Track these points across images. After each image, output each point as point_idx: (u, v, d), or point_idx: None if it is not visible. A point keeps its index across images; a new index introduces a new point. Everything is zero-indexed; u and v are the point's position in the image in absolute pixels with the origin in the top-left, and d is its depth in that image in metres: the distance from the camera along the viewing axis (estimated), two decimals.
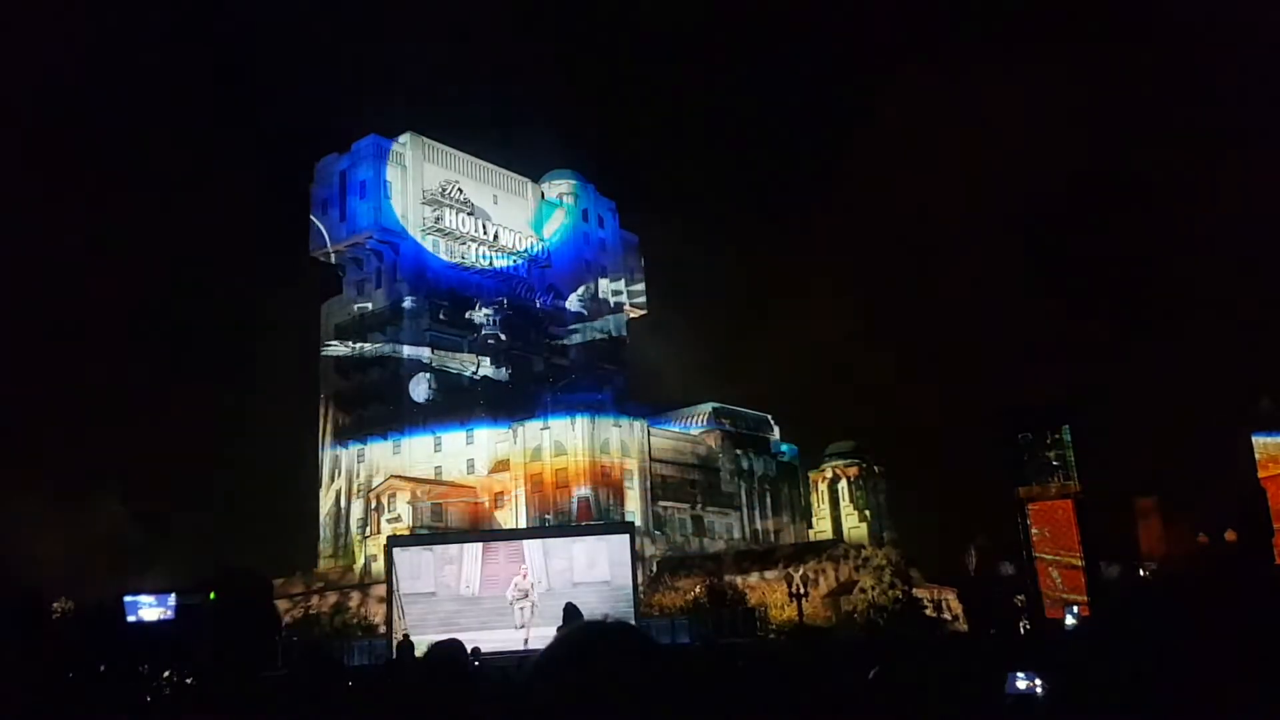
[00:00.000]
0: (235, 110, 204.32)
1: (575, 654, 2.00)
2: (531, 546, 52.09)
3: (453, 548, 53.64)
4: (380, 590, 61.38)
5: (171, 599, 36.90)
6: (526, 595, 50.00)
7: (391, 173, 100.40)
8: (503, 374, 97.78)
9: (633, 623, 2.16)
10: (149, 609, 37.12)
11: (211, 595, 35.79)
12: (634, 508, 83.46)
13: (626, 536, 52.00)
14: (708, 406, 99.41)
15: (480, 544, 54.36)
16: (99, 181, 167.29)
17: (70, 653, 42.32)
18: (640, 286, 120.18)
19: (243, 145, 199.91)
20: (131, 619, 36.66)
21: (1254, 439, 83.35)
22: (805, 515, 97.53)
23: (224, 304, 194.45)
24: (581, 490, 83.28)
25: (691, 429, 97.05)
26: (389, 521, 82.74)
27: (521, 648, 44.20)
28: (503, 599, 49.65)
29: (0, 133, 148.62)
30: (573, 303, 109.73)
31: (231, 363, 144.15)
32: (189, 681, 38.06)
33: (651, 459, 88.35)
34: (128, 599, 37.64)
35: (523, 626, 48.20)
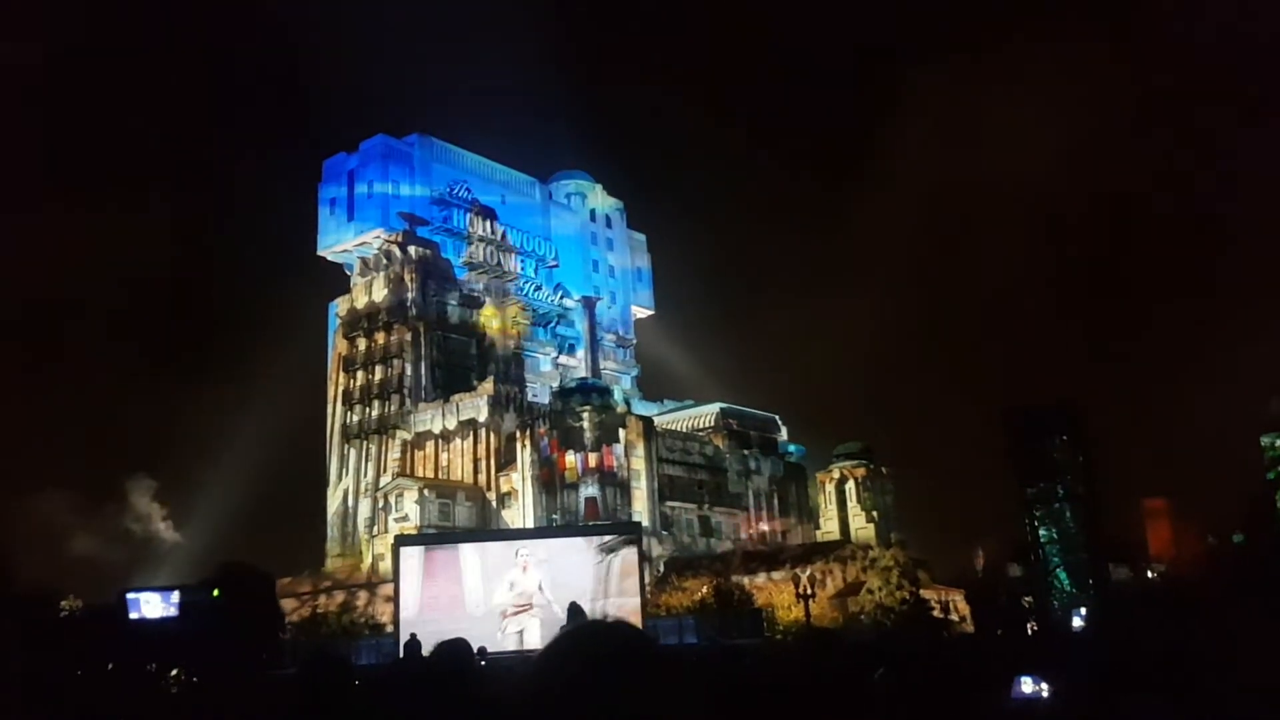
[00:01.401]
0: (245, 108, 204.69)
1: (572, 652, 2.01)
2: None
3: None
4: (387, 589, 61.46)
5: (175, 596, 36.59)
6: (530, 606, 46.86)
7: (399, 172, 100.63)
8: (509, 372, 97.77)
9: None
10: (152, 605, 36.76)
11: (215, 592, 35.61)
12: (641, 508, 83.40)
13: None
14: (715, 406, 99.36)
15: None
16: (107, 180, 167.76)
17: (77, 651, 42.36)
18: (648, 286, 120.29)
19: (252, 143, 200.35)
20: (134, 616, 36.37)
21: (1263, 441, 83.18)
22: (812, 516, 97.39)
23: (232, 301, 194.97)
24: (589, 490, 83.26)
25: (699, 429, 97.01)
26: (396, 521, 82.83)
27: (528, 647, 43.82)
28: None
29: (6, 130, 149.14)
30: (580, 302, 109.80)
31: (238, 360, 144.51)
32: (195, 680, 38.00)
33: (658, 459, 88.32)
34: (130, 596, 37.31)
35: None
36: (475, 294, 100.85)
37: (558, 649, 2.02)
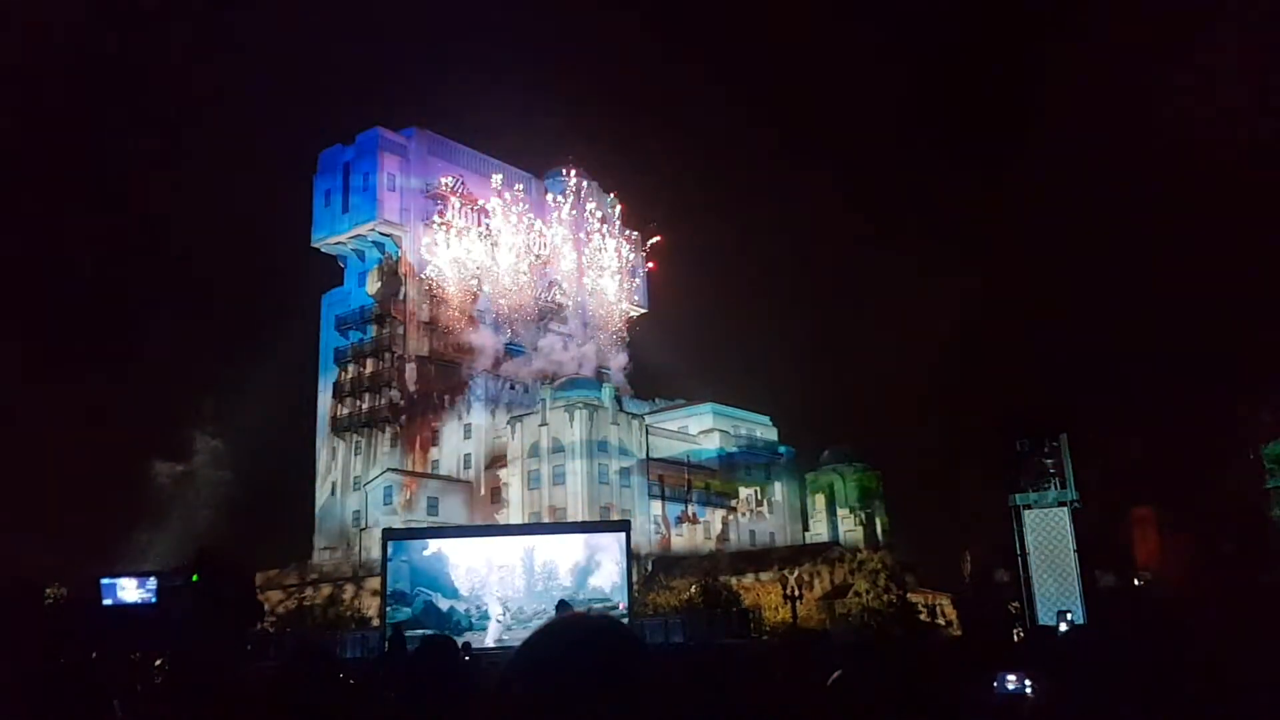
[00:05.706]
0: (241, 99, 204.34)
1: (553, 644, 1.98)
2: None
3: None
4: (374, 583, 61.38)
5: (152, 582, 36.14)
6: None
7: (395, 165, 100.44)
8: (501, 369, 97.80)
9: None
10: (128, 591, 36.29)
11: (194, 578, 35.27)
12: (630, 506, 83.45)
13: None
14: (707, 406, 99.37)
15: None
16: (99, 168, 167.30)
17: (60, 640, 42.14)
18: (641, 283, 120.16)
19: (247, 135, 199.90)
20: (109, 602, 35.91)
21: (1265, 450, 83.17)
22: (801, 518, 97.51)
23: (225, 293, 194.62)
24: (579, 487, 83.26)
25: (690, 428, 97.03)
26: (384, 514, 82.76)
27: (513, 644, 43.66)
28: None
29: (3, 118, 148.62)
30: (573, 298, 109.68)
31: (231, 351, 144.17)
32: (175, 670, 37.71)
33: (649, 457, 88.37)
34: (105, 581, 36.76)
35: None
36: (468, 289, 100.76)
37: (536, 640, 1.99)
